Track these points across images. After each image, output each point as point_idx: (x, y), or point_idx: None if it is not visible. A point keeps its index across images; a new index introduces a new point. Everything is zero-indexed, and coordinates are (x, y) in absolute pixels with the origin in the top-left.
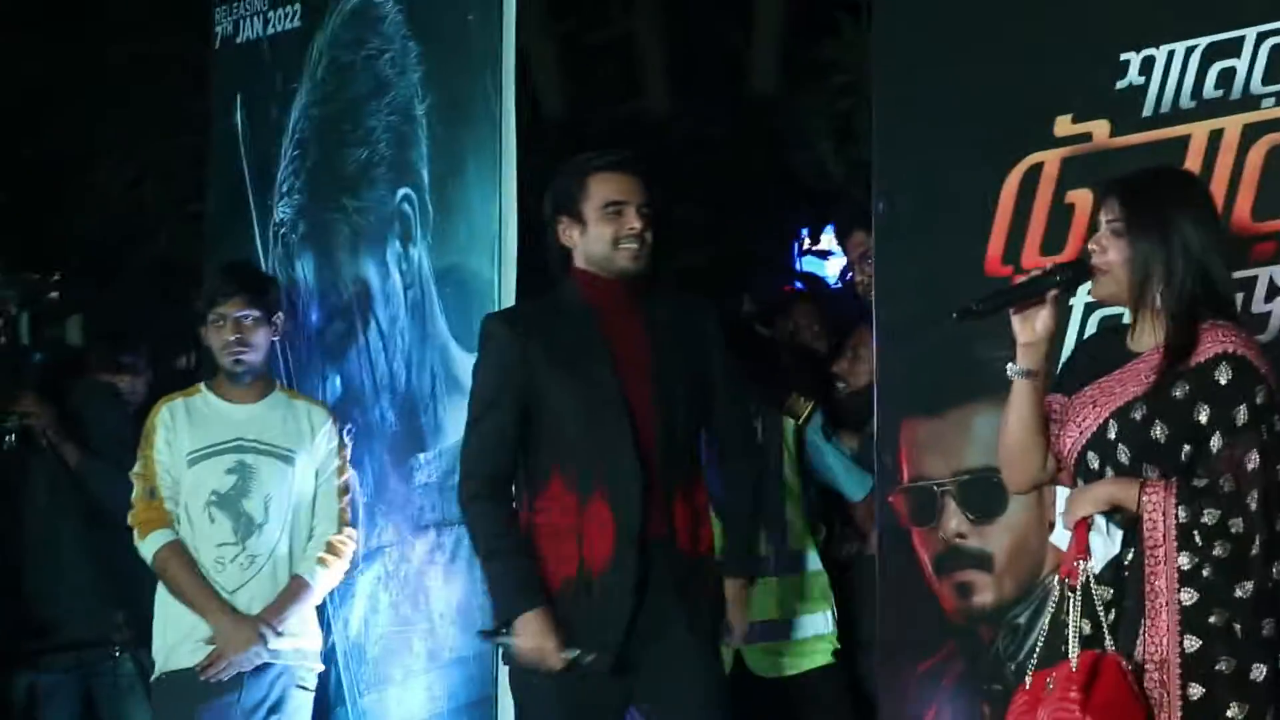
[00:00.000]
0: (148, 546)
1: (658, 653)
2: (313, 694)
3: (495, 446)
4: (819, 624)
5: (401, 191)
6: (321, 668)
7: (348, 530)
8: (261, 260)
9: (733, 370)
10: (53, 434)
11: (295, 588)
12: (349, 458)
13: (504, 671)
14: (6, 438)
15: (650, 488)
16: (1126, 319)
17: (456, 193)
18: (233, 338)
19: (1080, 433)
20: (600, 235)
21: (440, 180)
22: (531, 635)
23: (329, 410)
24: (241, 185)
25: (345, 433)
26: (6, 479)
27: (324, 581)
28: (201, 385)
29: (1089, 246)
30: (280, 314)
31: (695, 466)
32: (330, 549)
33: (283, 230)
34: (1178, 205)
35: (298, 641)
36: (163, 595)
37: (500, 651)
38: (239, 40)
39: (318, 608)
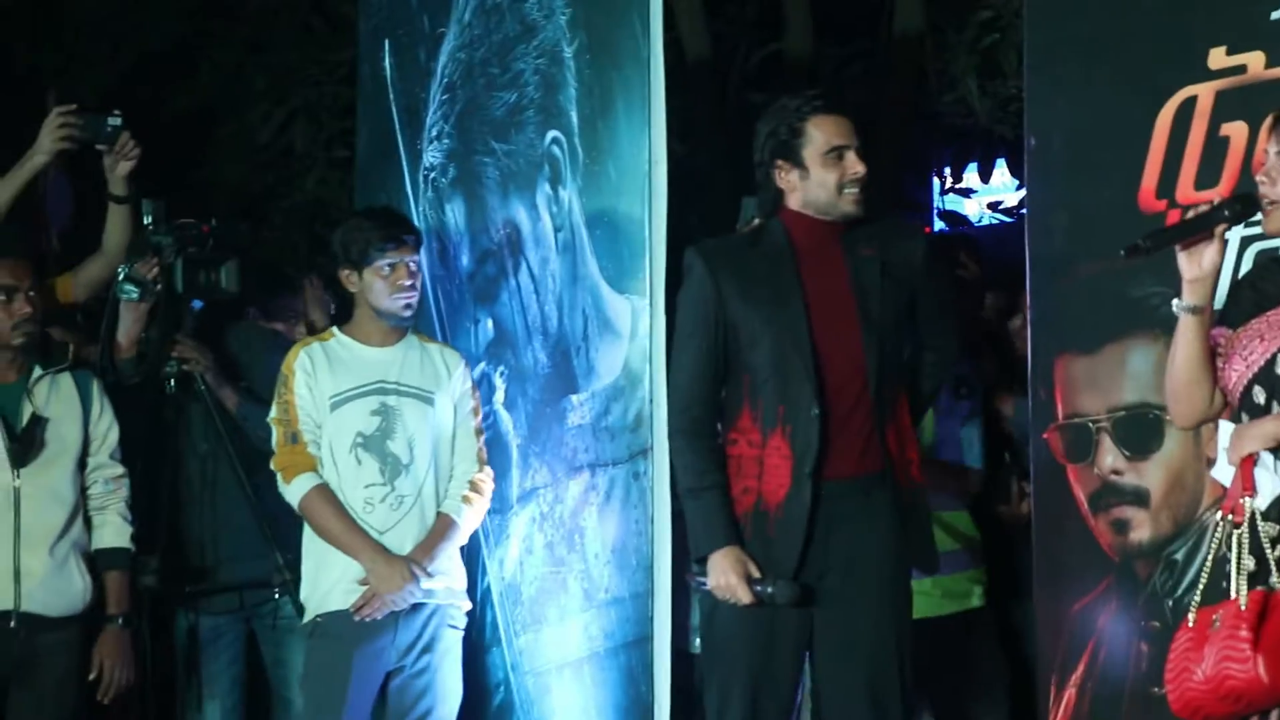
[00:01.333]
0: (294, 491)
1: (842, 592)
2: (462, 633)
3: (692, 379)
4: (961, 561)
5: (550, 134)
6: (469, 605)
7: (486, 469)
8: (412, 204)
9: (943, 292)
10: (211, 378)
11: (443, 526)
12: (502, 400)
13: (660, 611)
14: (167, 383)
15: (836, 426)
16: None
17: (606, 135)
18: (408, 283)
19: (1246, 367)
20: (824, 181)
21: (589, 122)
22: (719, 572)
23: (460, 353)
24: (391, 130)
25: (499, 374)
26: (166, 424)
27: (469, 520)
28: (335, 330)
29: (1258, 178)
30: None
31: (901, 397)
32: (474, 487)
33: (432, 175)
34: None
35: (448, 581)
36: (311, 539)
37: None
38: None
39: (472, 549)
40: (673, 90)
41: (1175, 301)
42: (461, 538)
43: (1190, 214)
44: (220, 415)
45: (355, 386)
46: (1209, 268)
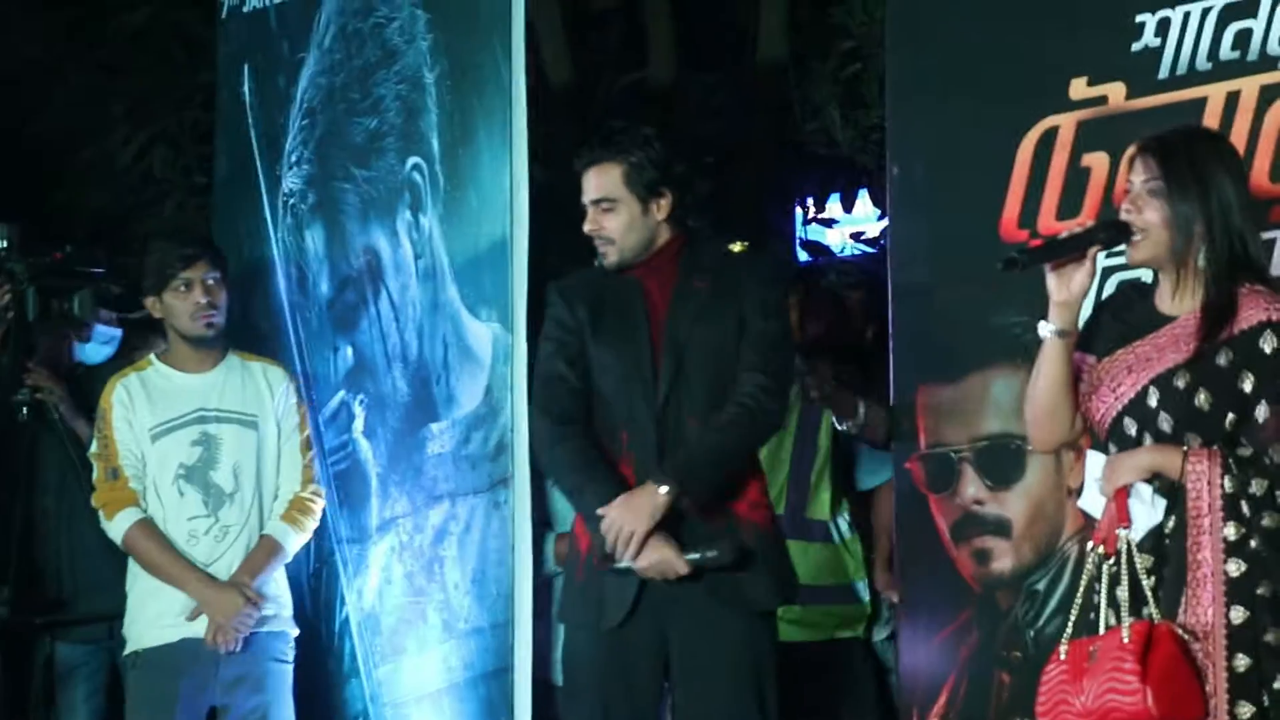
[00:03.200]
0: (115, 527)
1: (689, 617)
2: (291, 666)
3: (552, 372)
4: (843, 595)
5: (411, 160)
6: (297, 631)
7: (313, 487)
8: (271, 230)
9: (767, 327)
10: (64, 409)
11: (265, 547)
12: (361, 429)
13: (521, 641)
14: (20, 412)
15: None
16: (1145, 279)
17: (467, 161)
18: (204, 300)
19: (1116, 399)
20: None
21: (450, 149)
22: (651, 549)
23: (286, 368)
24: (250, 155)
25: (358, 403)
26: (20, 454)
27: (294, 540)
28: (152, 357)
29: (1124, 208)
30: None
31: None
32: (298, 506)
33: (292, 200)
34: (1215, 165)
35: (275, 607)
36: (135, 573)
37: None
38: (245, 10)
39: (331, 579)
40: (536, 116)
41: (1042, 324)
42: (286, 558)
43: (1065, 234)
44: (73, 445)
45: (175, 417)
46: (1078, 291)
